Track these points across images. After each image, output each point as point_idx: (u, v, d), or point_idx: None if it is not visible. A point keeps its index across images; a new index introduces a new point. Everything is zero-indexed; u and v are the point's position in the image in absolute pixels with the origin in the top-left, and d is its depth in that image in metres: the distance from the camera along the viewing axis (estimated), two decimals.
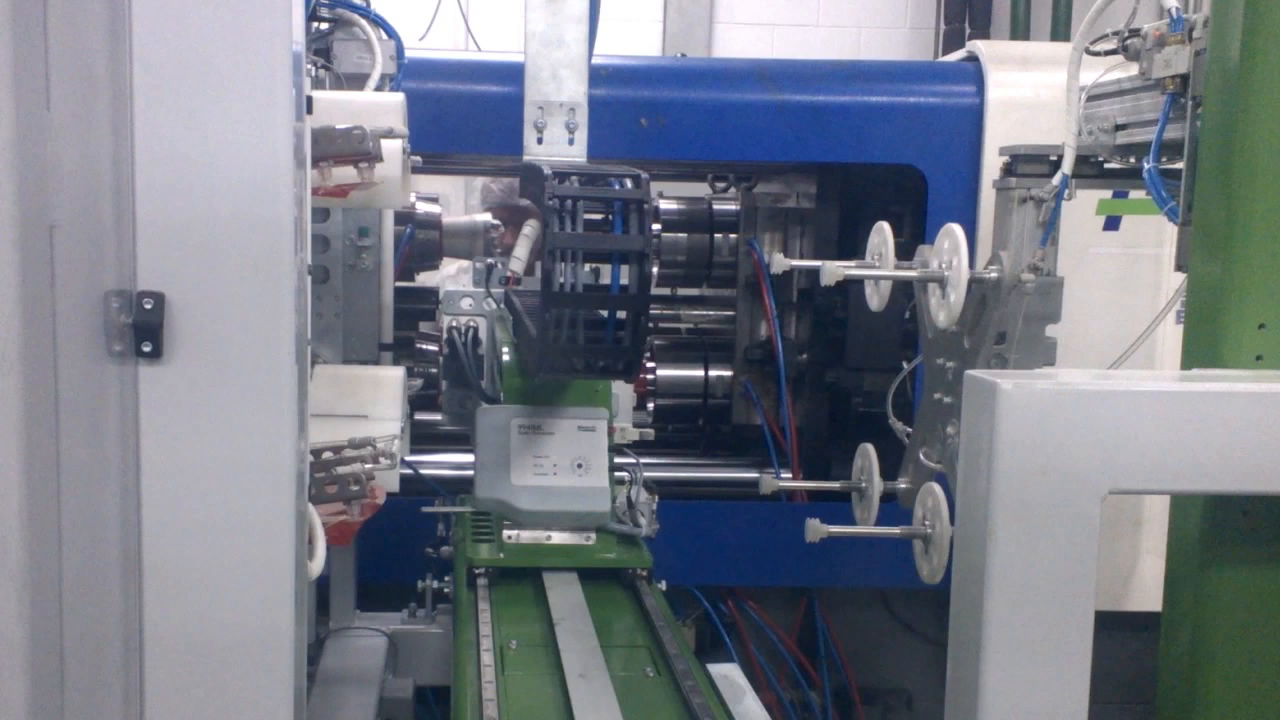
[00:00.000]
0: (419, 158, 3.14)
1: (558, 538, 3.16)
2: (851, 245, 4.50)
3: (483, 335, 3.50)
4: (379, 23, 3.56)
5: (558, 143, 3.45)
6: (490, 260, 3.68)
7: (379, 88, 3.48)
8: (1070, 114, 3.34)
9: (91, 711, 1.74)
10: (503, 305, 3.59)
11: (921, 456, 3.40)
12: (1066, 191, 3.45)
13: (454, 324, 3.44)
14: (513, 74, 3.65)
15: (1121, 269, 4.63)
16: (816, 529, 3.28)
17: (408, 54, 3.70)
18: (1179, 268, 2.85)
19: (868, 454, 3.52)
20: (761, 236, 4.88)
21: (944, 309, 3.12)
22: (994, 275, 3.26)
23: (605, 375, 2.89)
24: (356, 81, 3.49)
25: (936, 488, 3.10)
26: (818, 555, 3.80)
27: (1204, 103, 2.70)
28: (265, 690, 1.92)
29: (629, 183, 2.71)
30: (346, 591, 3.96)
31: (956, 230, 3.06)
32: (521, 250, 3.68)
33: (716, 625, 4.69)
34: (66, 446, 1.59)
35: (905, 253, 3.42)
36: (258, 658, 1.91)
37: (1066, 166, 3.37)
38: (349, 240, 3.77)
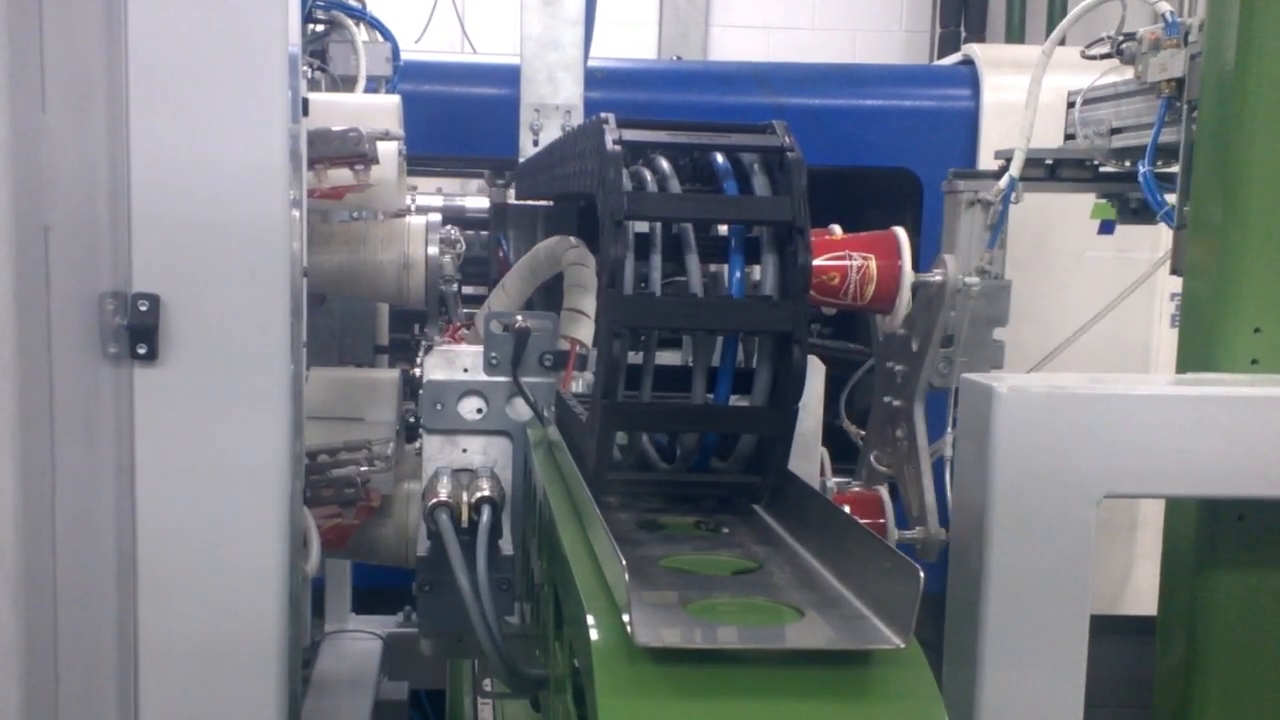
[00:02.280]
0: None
1: None
2: None
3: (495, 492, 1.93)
4: (375, 25, 3.55)
5: None
6: (518, 320, 2.16)
7: (374, 89, 3.47)
8: (1027, 116, 3.35)
9: (86, 713, 1.73)
10: (549, 421, 2.10)
11: (872, 460, 3.39)
12: (1014, 195, 3.46)
13: (441, 489, 1.91)
14: (509, 76, 3.65)
15: (1116, 273, 4.63)
16: None
17: (403, 56, 3.70)
18: (1175, 271, 2.85)
19: (821, 457, 3.49)
20: None
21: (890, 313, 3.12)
22: (938, 279, 3.25)
23: (724, 504, 1.73)
24: (351, 83, 3.49)
25: (883, 491, 3.08)
26: None
27: (1199, 106, 2.70)
28: (259, 692, 1.91)
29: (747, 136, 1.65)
30: (342, 594, 3.95)
31: (900, 233, 3.05)
32: (581, 299, 2.39)
33: None
34: (61, 448, 1.59)
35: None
36: (253, 659, 1.90)
37: (1015, 169, 3.38)
38: None
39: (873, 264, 2.81)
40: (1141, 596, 4.52)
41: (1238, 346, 2.53)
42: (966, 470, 2.23)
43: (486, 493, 1.90)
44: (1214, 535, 2.50)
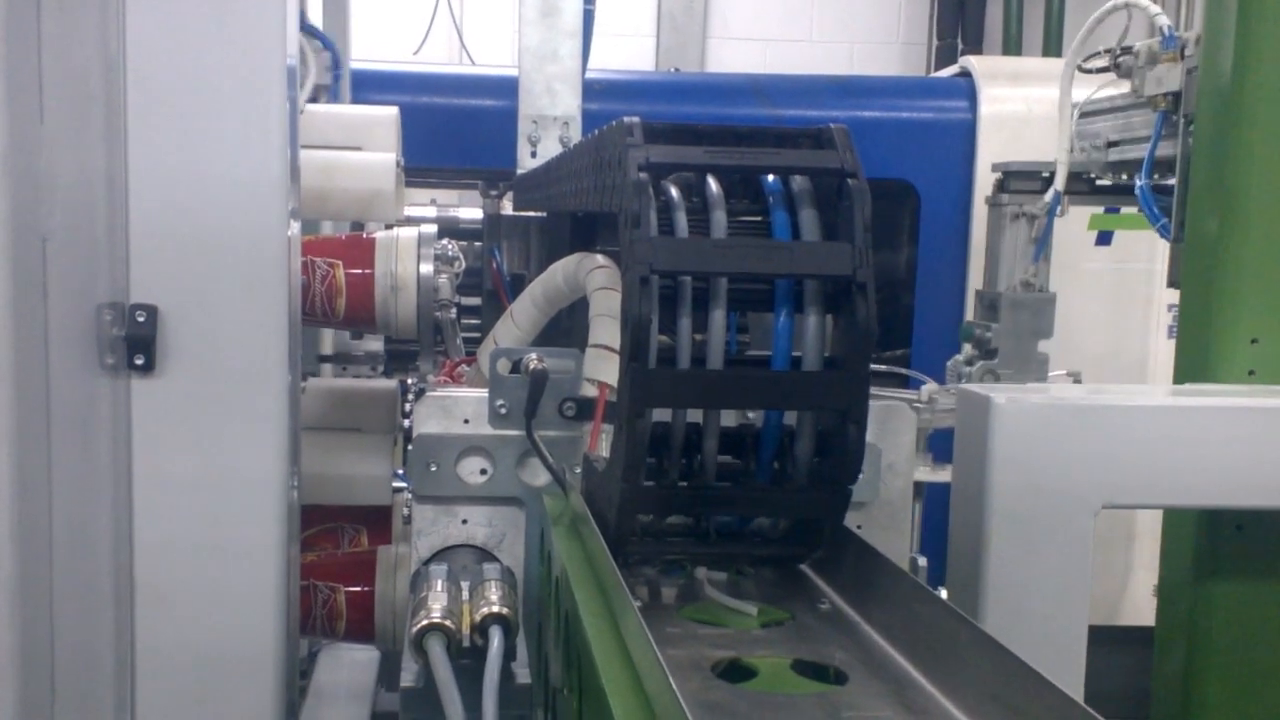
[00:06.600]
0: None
1: None
2: None
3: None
4: (314, 34, 3.52)
5: (551, 156, 3.45)
6: (532, 359, 1.83)
7: (314, 99, 3.41)
8: (1062, 130, 3.36)
9: None
10: (572, 487, 1.74)
11: None
12: (1059, 208, 3.46)
13: (434, 603, 1.64)
14: (507, 88, 3.66)
15: (1114, 284, 4.64)
16: None
17: (402, 68, 3.71)
18: (1172, 284, 2.85)
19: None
20: None
21: None
22: None
23: (765, 561, 1.62)
24: None
25: None
26: None
27: (1196, 120, 2.71)
28: (257, 703, 1.90)
29: (804, 148, 1.46)
30: None
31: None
32: (612, 332, 1.84)
33: None
34: (59, 459, 1.59)
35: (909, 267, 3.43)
36: (250, 670, 1.90)
37: (1059, 183, 3.38)
38: None
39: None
40: (1139, 607, 4.52)
41: (1235, 357, 2.53)
42: (965, 481, 2.23)
43: (496, 608, 1.58)
44: (1212, 546, 2.50)
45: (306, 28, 3.49)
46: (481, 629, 1.57)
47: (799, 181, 1.47)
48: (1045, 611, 2.14)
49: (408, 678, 1.62)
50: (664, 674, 1.07)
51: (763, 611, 1.49)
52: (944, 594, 1.40)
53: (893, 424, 1.87)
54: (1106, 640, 2.88)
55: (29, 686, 1.53)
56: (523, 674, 1.61)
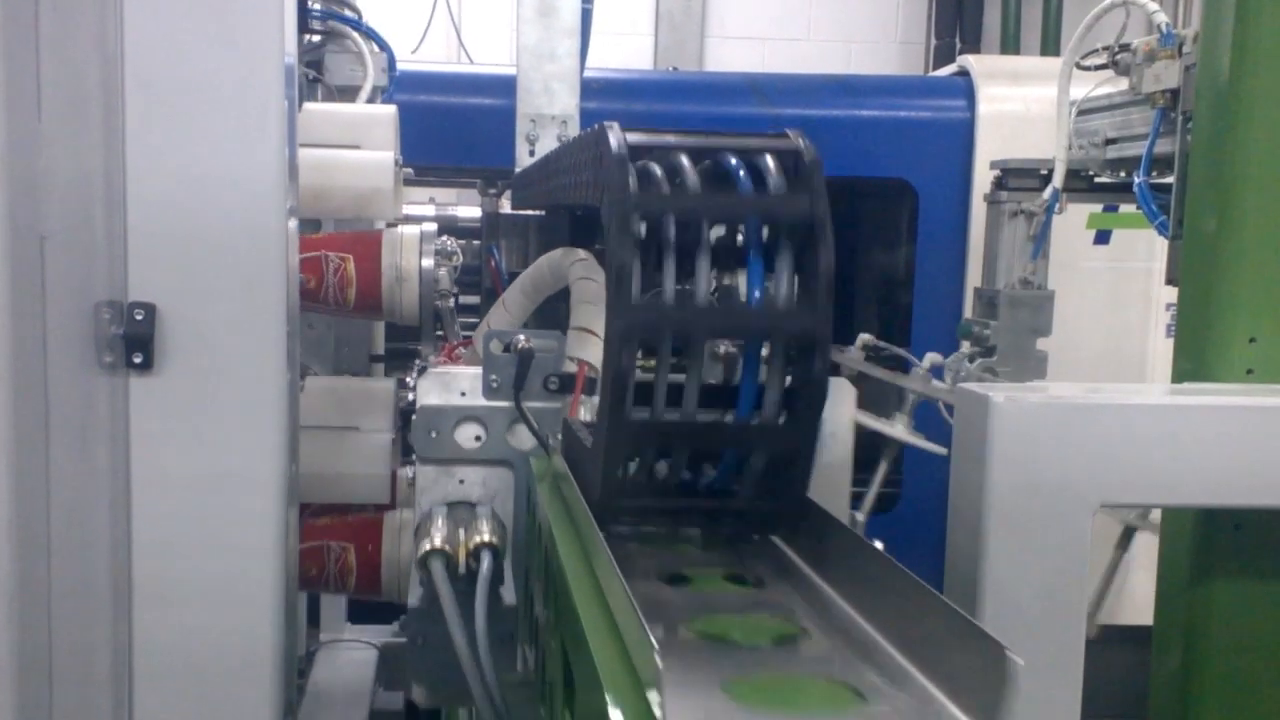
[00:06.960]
0: (410, 169, 3.13)
1: None
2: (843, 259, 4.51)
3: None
4: (371, 35, 3.55)
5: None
6: (520, 340, 2.03)
7: (371, 99, 3.47)
8: (1060, 128, 3.36)
9: None
10: (555, 451, 1.97)
11: None
12: (1057, 205, 3.47)
13: (436, 533, 1.87)
14: (505, 87, 3.66)
15: (1112, 283, 4.64)
16: None
17: (400, 66, 3.70)
18: (1170, 281, 2.86)
19: None
20: None
21: None
22: None
23: (750, 526, 1.67)
24: (348, 93, 3.49)
25: None
26: None
27: (1194, 117, 2.71)
28: (255, 703, 1.91)
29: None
30: (337, 603, 3.94)
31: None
32: (590, 316, 2.17)
33: None
34: (56, 457, 1.58)
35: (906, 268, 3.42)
36: (248, 670, 1.90)
37: (1057, 180, 3.38)
38: None
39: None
40: (1137, 606, 4.52)
41: (1233, 356, 2.53)
42: (962, 479, 2.23)
43: (487, 537, 1.81)
44: (1210, 545, 2.50)
45: (364, 29, 3.51)
46: (475, 555, 1.81)
47: (760, 160, 1.56)
48: (1043, 610, 2.15)
49: (414, 599, 1.88)
50: (619, 579, 1.24)
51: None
52: (880, 546, 1.49)
53: (834, 397, 2.00)
54: (1105, 639, 2.89)
55: (27, 685, 1.53)
56: (509, 595, 1.85)
